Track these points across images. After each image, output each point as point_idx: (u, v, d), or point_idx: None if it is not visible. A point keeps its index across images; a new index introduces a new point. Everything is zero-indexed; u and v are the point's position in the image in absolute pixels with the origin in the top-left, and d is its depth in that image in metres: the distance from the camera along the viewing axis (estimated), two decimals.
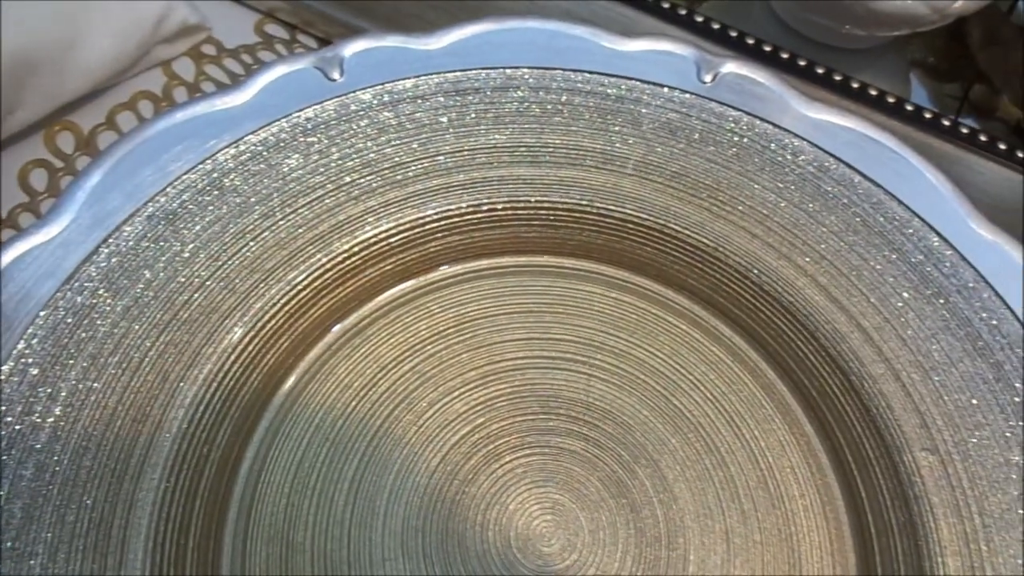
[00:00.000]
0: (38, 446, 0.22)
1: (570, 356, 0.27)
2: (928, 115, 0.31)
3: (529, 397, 0.26)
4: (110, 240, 0.25)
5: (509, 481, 0.25)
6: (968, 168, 0.31)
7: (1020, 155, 0.31)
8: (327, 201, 0.26)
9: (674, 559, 0.24)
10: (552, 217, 0.28)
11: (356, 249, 0.26)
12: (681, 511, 0.25)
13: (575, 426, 0.26)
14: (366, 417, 0.25)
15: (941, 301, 0.26)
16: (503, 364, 0.26)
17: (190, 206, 0.25)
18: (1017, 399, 0.25)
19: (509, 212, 0.28)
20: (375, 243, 0.27)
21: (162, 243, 0.25)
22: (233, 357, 0.24)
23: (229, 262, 0.25)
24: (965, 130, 0.31)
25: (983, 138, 0.31)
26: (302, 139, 0.27)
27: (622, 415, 0.26)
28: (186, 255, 0.25)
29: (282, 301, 0.25)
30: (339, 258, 0.26)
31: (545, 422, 0.26)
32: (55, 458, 0.22)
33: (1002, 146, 0.31)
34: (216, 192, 0.26)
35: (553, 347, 0.27)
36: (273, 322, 0.25)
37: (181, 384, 0.24)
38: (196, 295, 0.25)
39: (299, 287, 0.26)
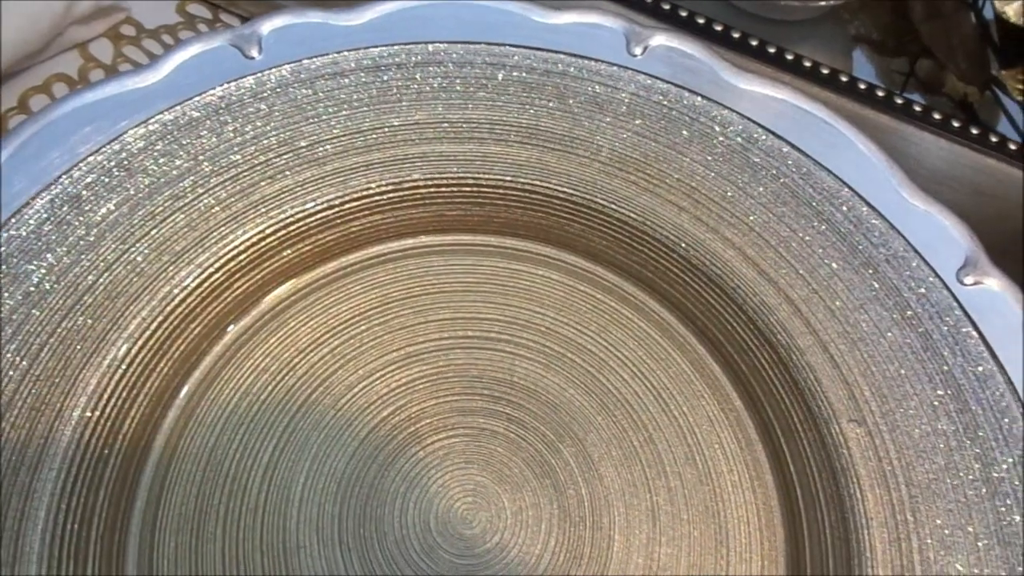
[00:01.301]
0: None
1: (494, 335, 0.26)
2: (863, 86, 0.31)
3: (452, 378, 0.25)
4: (11, 223, 0.24)
5: (430, 463, 0.24)
6: (903, 139, 0.31)
7: (956, 124, 0.31)
8: (241, 181, 0.26)
9: (599, 538, 0.24)
10: (476, 194, 0.27)
11: (272, 230, 0.26)
12: (606, 490, 0.24)
13: (499, 406, 0.25)
14: (283, 401, 0.25)
15: (870, 271, 0.26)
16: (425, 345, 0.26)
17: (96, 188, 0.25)
18: (945, 368, 0.24)
19: (432, 190, 0.27)
20: (292, 223, 0.26)
21: (65, 227, 0.24)
22: (140, 343, 0.24)
23: (137, 245, 0.24)
24: (900, 101, 0.31)
25: (917, 108, 0.31)
26: (215, 118, 0.26)
27: (547, 394, 0.25)
28: (91, 238, 0.24)
29: (193, 284, 0.24)
30: (254, 239, 0.25)
31: (468, 403, 0.25)
32: None
33: (936, 116, 0.31)
34: (124, 173, 0.25)
35: (477, 327, 0.26)
36: (184, 306, 0.24)
37: (83, 372, 0.23)
38: (101, 279, 0.24)
39: (211, 270, 0.25)
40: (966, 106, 0.42)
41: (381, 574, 0.23)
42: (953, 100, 0.42)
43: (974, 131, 0.30)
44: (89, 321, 0.23)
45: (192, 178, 0.25)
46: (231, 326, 0.26)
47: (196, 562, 0.22)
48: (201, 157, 0.25)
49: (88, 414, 0.22)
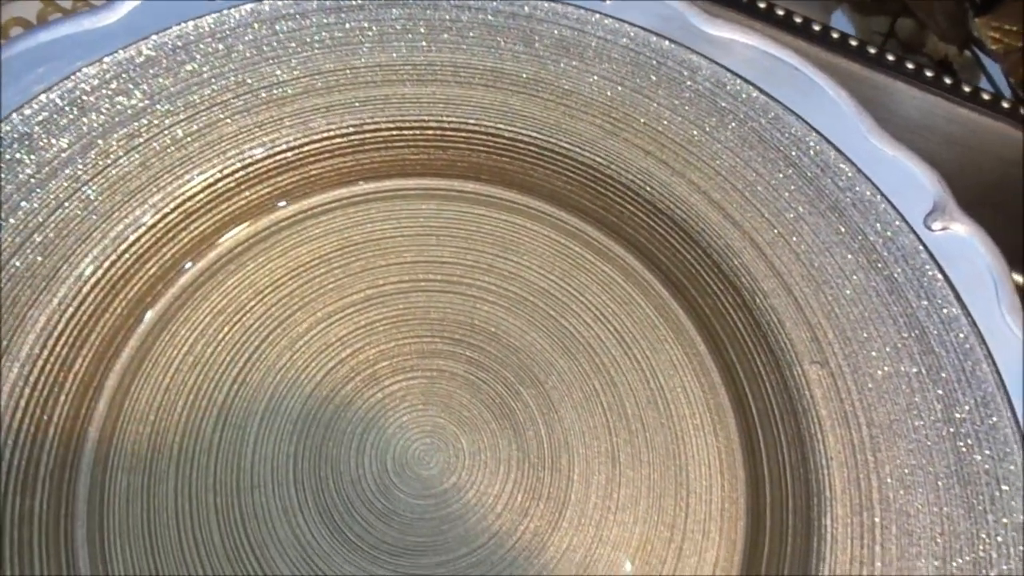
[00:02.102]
0: None
1: (456, 279, 0.26)
2: (836, 35, 0.31)
3: (412, 321, 0.25)
4: None
5: (388, 405, 0.24)
6: (876, 89, 0.30)
7: (929, 74, 0.30)
8: (198, 121, 0.25)
9: (557, 479, 0.23)
10: (439, 137, 0.27)
11: (229, 171, 0.25)
12: (566, 432, 0.24)
13: (459, 348, 0.25)
14: (239, 343, 0.24)
15: (836, 215, 0.25)
16: (386, 288, 0.25)
17: (48, 126, 0.24)
18: (910, 310, 0.24)
19: (394, 132, 0.26)
20: (250, 165, 0.25)
21: (16, 164, 0.23)
22: (92, 282, 0.23)
23: (90, 183, 0.24)
24: (873, 50, 0.30)
25: (890, 58, 0.30)
26: (171, 57, 0.25)
27: (508, 337, 0.25)
28: (42, 176, 0.24)
29: (148, 224, 0.24)
30: (211, 180, 0.25)
31: (427, 345, 0.25)
32: None
33: (910, 65, 0.31)
34: (76, 112, 0.24)
35: (438, 271, 0.26)
36: (138, 246, 0.24)
37: (32, 310, 0.22)
38: (52, 217, 0.23)
39: (166, 210, 0.24)
40: (946, 66, 0.42)
41: (336, 513, 0.23)
42: (933, 60, 0.42)
43: (947, 81, 0.30)
44: (39, 259, 0.23)
45: (148, 118, 0.25)
46: (188, 268, 0.25)
47: (148, 500, 0.22)
48: (157, 97, 0.25)
49: (36, 351, 0.22)
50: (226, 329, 0.24)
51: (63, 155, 0.24)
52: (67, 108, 0.24)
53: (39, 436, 0.22)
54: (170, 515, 0.22)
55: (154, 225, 0.24)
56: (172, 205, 0.24)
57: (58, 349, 0.23)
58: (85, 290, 0.23)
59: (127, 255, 0.24)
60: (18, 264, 0.23)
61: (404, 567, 0.22)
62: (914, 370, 0.23)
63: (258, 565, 0.22)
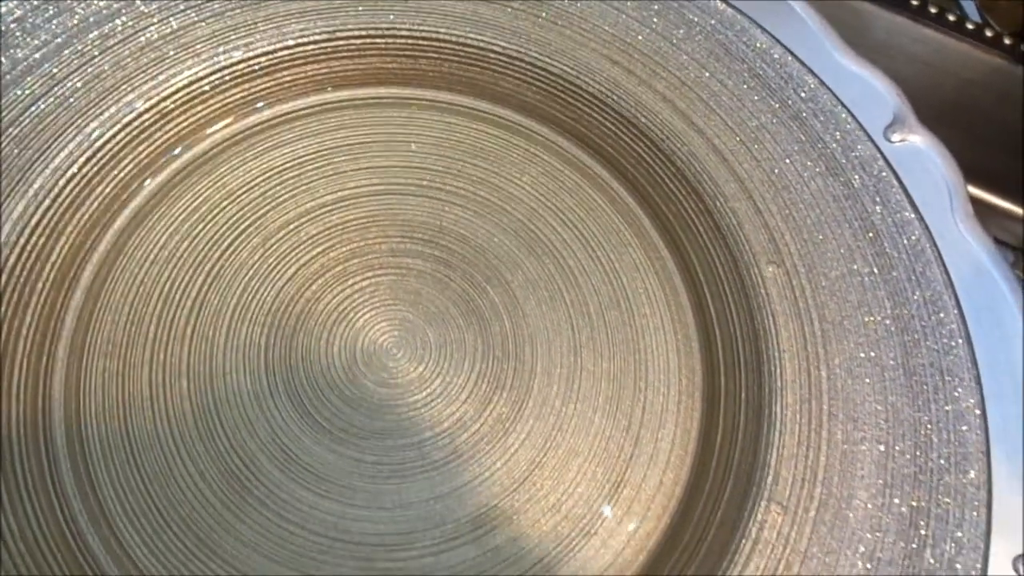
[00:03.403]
0: None
1: (426, 184, 0.26)
2: None
3: (382, 222, 0.26)
4: None
5: (358, 300, 0.25)
6: (843, 9, 0.31)
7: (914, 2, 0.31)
8: (172, 23, 0.25)
9: (521, 371, 0.24)
10: (411, 46, 0.27)
11: (204, 74, 0.26)
12: (531, 327, 0.25)
13: (427, 249, 0.25)
14: (213, 239, 0.25)
15: (797, 124, 0.26)
16: (356, 191, 0.26)
17: (24, 24, 0.24)
18: (865, 214, 0.25)
19: (366, 40, 0.27)
20: (224, 68, 0.26)
21: None
22: (68, 175, 0.24)
23: (64, 81, 0.24)
24: None
25: None
26: None
27: (476, 239, 0.26)
28: (17, 73, 0.24)
29: (121, 123, 0.25)
30: (185, 82, 0.25)
31: (397, 245, 0.25)
32: None
33: None
34: (51, 11, 0.25)
35: (409, 175, 0.26)
36: (112, 144, 0.24)
37: (9, 199, 0.23)
38: (27, 112, 0.24)
39: (140, 110, 0.25)
40: None
41: (306, 399, 0.23)
42: None
43: (914, 2, 0.30)
44: (15, 151, 0.23)
45: (122, 19, 0.25)
46: (162, 167, 0.26)
47: (122, 385, 0.23)
48: None
49: (13, 239, 0.23)
50: (200, 226, 0.25)
51: (38, 54, 0.24)
52: (42, 7, 0.25)
53: (16, 322, 0.22)
54: (144, 399, 0.23)
55: (129, 124, 0.25)
56: (146, 105, 0.25)
57: (35, 239, 0.23)
58: (61, 183, 0.24)
59: (102, 152, 0.24)
60: None
61: (371, 449, 0.23)
62: (866, 270, 0.24)
63: (229, 445, 0.23)
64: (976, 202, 0.27)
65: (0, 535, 0.20)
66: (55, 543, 0.21)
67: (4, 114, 0.24)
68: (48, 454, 0.22)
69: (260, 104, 0.27)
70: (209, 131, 0.26)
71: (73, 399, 0.23)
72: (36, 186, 0.23)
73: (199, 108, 0.26)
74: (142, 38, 0.25)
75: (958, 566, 0.21)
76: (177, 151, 0.26)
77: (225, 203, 0.25)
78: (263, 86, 0.26)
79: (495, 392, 0.24)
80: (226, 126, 0.26)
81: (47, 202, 0.23)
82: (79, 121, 0.24)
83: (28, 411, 0.22)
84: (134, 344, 0.23)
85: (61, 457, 0.22)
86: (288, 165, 0.26)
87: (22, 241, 0.23)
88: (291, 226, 0.25)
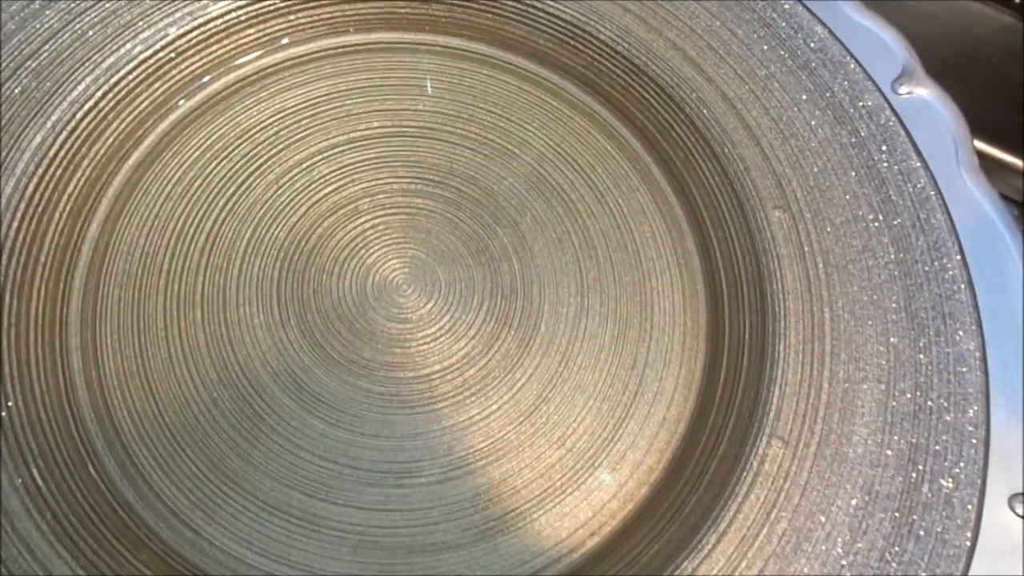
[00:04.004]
0: None
1: (437, 127, 0.27)
2: None
3: (393, 163, 0.26)
4: None
5: (369, 237, 0.25)
6: None
7: None
8: None
9: (528, 309, 0.25)
10: None
11: (218, 13, 0.26)
12: (539, 268, 0.25)
13: (438, 190, 0.26)
14: (227, 176, 0.25)
15: (806, 74, 0.26)
16: (369, 132, 0.26)
17: None
18: (871, 162, 0.25)
19: None
20: (241, 8, 0.26)
21: None
22: (85, 109, 0.24)
23: (82, 16, 0.25)
24: None
25: None
26: None
27: (486, 181, 0.26)
28: (35, 7, 0.24)
29: (138, 59, 0.25)
30: (200, 21, 0.26)
31: (408, 186, 0.26)
32: None
33: None
34: None
35: (420, 118, 0.27)
36: (129, 79, 0.25)
37: (27, 129, 0.23)
38: (46, 46, 0.24)
39: (156, 47, 0.25)
40: None
41: (318, 331, 0.24)
42: None
43: None
44: (33, 83, 0.24)
45: None
46: (178, 105, 0.26)
47: (138, 313, 0.23)
48: None
49: (32, 168, 0.23)
50: (214, 164, 0.25)
51: None
52: None
53: (35, 248, 0.23)
54: (159, 328, 0.23)
55: (145, 60, 0.25)
56: (163, 42, 0.25)
57: (52, 170, 0.23)
58: (78, 116, 0.24)
59: (119, 87, 0.25)
60: (14, 88, 0.24)
61: (381, 380, 0.23)
62: (871, 216, 0.25)
63: (242, 374, 0.23)
64: (981, 156, 0.27)
65: (23, 457, 0.21)
66: (73, 466, 0.21)
67: (23, 47, 0.24)
68: (65, 380, 0.22)
69: (273, 47, 0.27)
70: (223, 73, 0.26)
71: (89, 327, 0.23)
72: (54, 118, 0.24)
73: (213, 47, 0.26)
74: None
75: (955, 501, 0.22)
76: (192, 89, 0.26)
77: (239, 141, 0.26)
78: (277, 27, 0.27)
79: (503, 329, 0.24)
80: (240, 67, 0.27)
81: (64, 135, 0.24)
82: (95, 56, 0.24)
83: (46, 338, 0.23)
84: (149, 275, 0.24)
85: (78, 383, 0.22)
86: (302, 106, 0.26)
87: (40, 172, 0.23)
88: (304, 165, 0.26)
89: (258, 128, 0.26)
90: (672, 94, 0.26)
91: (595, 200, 0.26)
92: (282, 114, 0.26)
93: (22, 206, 0.23)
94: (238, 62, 0.26)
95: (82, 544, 0.20)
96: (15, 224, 0.22)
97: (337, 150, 0.26)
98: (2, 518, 0.19)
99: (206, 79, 0.26)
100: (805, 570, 0.21)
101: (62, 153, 0.24)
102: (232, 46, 0.26)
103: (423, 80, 0.27)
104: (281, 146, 0.26)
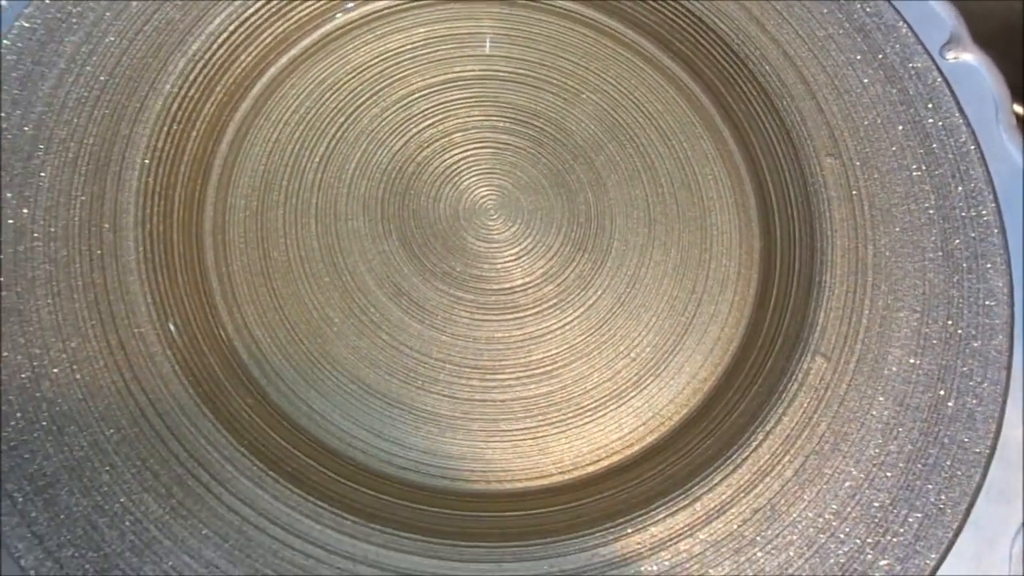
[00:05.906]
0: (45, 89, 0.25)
1: (523, 72, 0.30)
2: None
3: (484, 103, 0.29)
4: None
5: (462, 167, 0.28)
6: None
7: None
8: None
9: (601, 238, 0.28)
10: None
11: None
12: (611, 201, 0.28)
13: (523, 128, 0.29)
14: (337, 107, 0.28)
15: (862, 36, 0.29)
16: (462, 74, 0.29)
17: None
18: (917, 118, 0.28)
19: None
20: None
21: None
22: (220, 40, 0.27)
23: None
24: None
25: None
26: None
27: (565, 122, 0.29)
28: None
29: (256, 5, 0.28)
30: None
31: (497, 123, 0.29)
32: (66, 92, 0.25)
33: None
34: None
35: (508, 64, 0.30)
36: (256, 16, 0.28)
37: (172, 56, 0.27)
38: None
39: None
40: None
41: (416, 245, 0.27)
42: None
43: None
44: (177, 15, 0.27)
45: None
46: (295, 43, 0.29)
47: (261, 221, 0.27)
48: None
49: (175, 90, 0.26)
50: (327, 95, 0.29)
51: None
52: None
53: (177, 157, 0.26)
54: (279, 234, 0.27)
55: (260, 8, 0.28)
56: None
57: (191, 92, 0.27)
58: (214, 47, 0.27)
59: (248, 23, 0.28)
60: (161, 19, 0.27)
61: (470, 290, 0.27)
62: (915, 166, 0.27)
63: (350, 277, 0.26)
64: (1018, 118, 0.30)
65: (170, 334, 0.24)
66: (207, 342, 0.25)
67: None
68: (200, 272, 0.26)
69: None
70: (337, 15, 0.29)
71: (220, 231, 0.27)
72: (195, 48, 0.27)
73: None
74: None
75: (977, 415, 0.24)
76: (308, 29, 0.29)
77: (348, 78, 0.29)
78: None
79: (578, 253, 0.27)
80: (349, 11, 0.30)
81: (202, 63, 0.27)
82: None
83: (185, 236, 0.26)
84: (270, 189, 0.27)
85: (211, 276, 0.26)
86: (403, 49, 0.30)
87: (182, 93, 0.27)
88: (404, 101, 0.29)
89: (365, 66, 0.29)
90: (737, 51, 0.29)
91: (663, 144, 0.29)
92: (386, 55, 0.29)
93: (167, 122, 0.26)
94: (349, 5, 0.30)
95: (220, 404, 0.23)
96: (161, 138, 0.26)
97: (433, 90, 0.29)
98: (160, 381, 0.23)
99: (320, 22, 0.29)
100: (841, 467, 0.24)
101: (200, 78, 0.27)
102: None
103: (512, 30, 0.30)
104: (385, 83, 0.29)
